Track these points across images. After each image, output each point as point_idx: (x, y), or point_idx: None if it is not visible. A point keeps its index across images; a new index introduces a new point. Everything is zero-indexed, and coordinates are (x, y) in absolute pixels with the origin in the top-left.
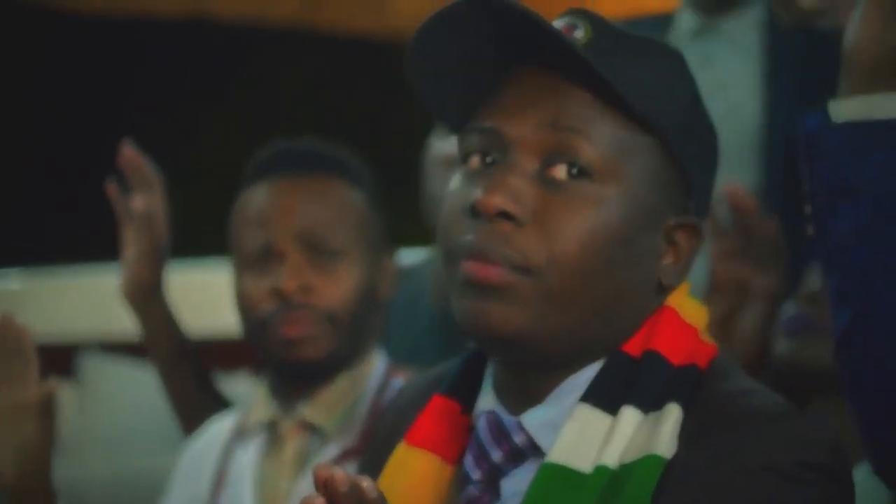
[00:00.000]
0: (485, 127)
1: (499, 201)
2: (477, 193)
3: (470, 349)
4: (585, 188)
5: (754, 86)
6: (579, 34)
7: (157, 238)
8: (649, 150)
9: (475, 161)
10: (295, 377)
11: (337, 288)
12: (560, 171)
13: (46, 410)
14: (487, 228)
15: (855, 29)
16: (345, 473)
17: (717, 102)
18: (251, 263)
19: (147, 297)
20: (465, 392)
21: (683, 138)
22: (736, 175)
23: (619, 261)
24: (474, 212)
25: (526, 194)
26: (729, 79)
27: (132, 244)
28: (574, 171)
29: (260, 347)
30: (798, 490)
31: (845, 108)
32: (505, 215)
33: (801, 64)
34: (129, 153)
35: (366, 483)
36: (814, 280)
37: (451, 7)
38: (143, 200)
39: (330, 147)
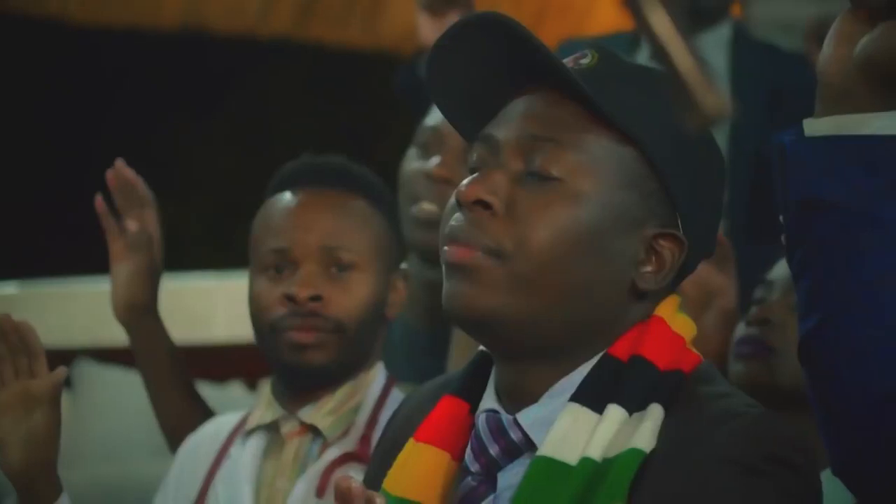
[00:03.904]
0: (484, 134)
1: (475, 191)
2: (461, 187)
3: (478, 353)
4: (562, 187)
5: None
6: (585, 60)
7: (152, 258)
8: (631, 161)
9: (478, 165)
10: (300, 381)
11: (347, 300)
12: (541, 173)
13: (55, 399)
14: (466, 217)
15: (826, 51)
16: (362, 487)
17: None
18: (268, 269)
19: (140, 316)
20: (472, 393)
21: (671, 154)
22: None
23: (586, 255)
24: (458, 203)
25: (503, 188)
26: None
27: (124, 262)
28: (552, 174)
29: (268, 350)
30: (760, 481)
31: (819, 127)
32: (481, 204)
33: (767, 83)
34: (123, 171)
35: (379, 500)
36: (761, 301)
37: (460, 28)
38: (138, 220)
39: (354, 164)
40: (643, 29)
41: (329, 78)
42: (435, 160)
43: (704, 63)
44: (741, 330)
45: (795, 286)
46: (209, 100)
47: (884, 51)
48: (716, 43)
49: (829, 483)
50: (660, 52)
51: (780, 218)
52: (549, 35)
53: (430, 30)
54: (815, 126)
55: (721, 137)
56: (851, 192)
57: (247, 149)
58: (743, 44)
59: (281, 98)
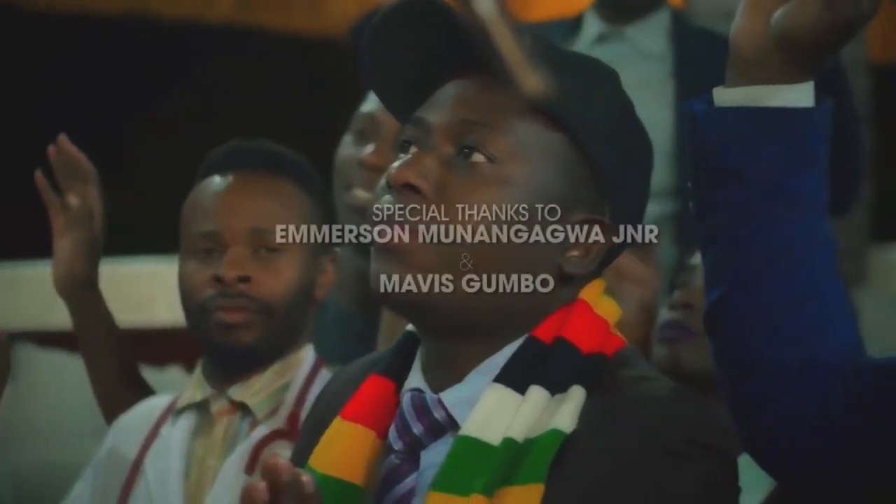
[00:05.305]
0: (416, 117)
1: (405, 174)
2: (391, 169)
3: (405, 333)
4: (491, 172)
5: (661, 90)
6: None
7: (93, 232)
8: (561, 147)
9: (407, 147)
10: (229, 361)
11: (275, 281)
12: (471, 157)
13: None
14: (396, 199)
15: (740, 20)
16: (289, 464)
17: None
18: (197, 251)
19: (81, 291)
20: (398, 372)
21: (602, 143)
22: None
23: (514, 239)
24: (388, 185)
25: (433, 172)
26: (634, 84)
27: (66, 237)
28: (482, 157)
29: (197, 330)
30: (683, 465)
31: (729, 97)
32: (411, 188)
33: (709, 68)
34: (65, 146)
35: (305, 478)
36: (684, 285)
37: (396, 11)
38: (80, 195)
39: (282, 149)
40: (466, 10)
41: (274, 64)
42: (369, 148)
43: (526, 46)
44: (664, 314)
45: (702, 255)
46: (154, 85)
47: (800, 24)
48: (655, 30)
49: (747, 469)
50: (482, 33)
51: (690, 185)
52: (539, 16)
53: None
54: (725, 95)
55: (670, 123)
56: (760, 163)
57: (192, 134)
58: (684, 31)
59: (226, 84)
